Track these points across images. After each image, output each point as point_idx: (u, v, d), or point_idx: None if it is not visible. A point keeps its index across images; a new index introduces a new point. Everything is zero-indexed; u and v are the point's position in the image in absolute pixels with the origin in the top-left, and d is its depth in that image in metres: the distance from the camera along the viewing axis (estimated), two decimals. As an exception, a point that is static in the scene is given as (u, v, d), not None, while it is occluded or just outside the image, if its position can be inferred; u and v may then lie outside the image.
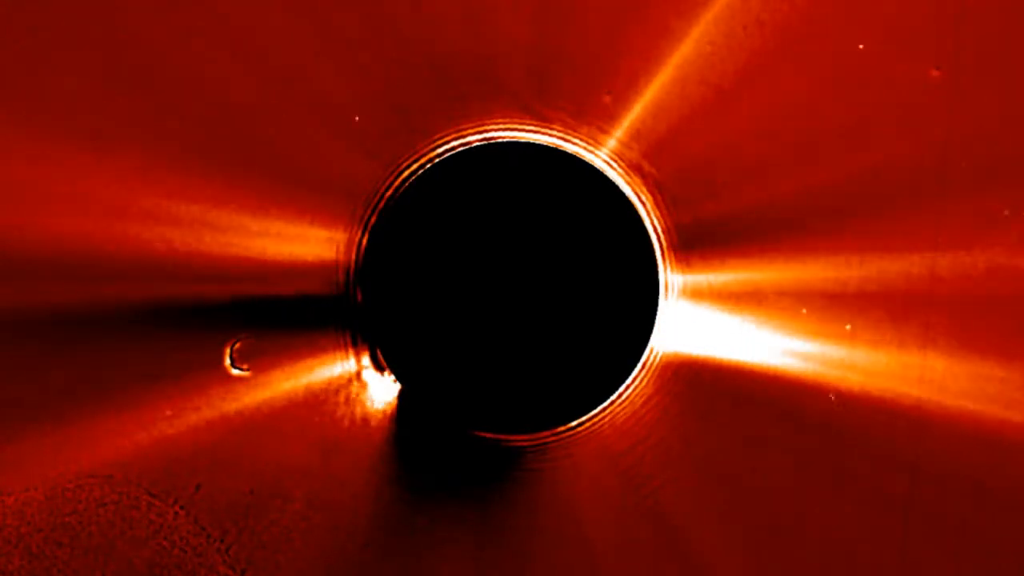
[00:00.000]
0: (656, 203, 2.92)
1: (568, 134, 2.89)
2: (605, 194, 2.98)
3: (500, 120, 2.88)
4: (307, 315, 2.81)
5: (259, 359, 2.70)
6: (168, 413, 2.57)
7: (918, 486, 2.53)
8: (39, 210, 2.47)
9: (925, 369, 2.51)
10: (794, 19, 2.46)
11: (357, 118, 2.44)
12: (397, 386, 2.98)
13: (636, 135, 2.78)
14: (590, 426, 2.98)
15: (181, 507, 2.54)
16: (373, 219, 2.96)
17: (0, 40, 2.38)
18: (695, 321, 2.91)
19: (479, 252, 2.96)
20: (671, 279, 2.98)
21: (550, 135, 2.92)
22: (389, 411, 2.94)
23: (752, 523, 2.71)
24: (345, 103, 2.67)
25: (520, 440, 2.98)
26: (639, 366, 2.98)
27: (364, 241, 2.96)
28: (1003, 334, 2.46)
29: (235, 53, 2.54)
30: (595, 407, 2.99)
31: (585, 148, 2.93)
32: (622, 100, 2.68)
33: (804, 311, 2.67)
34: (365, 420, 2.87)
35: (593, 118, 2.78)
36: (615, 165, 2.94)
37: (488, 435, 2.99)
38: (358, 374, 2.91)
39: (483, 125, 2.90)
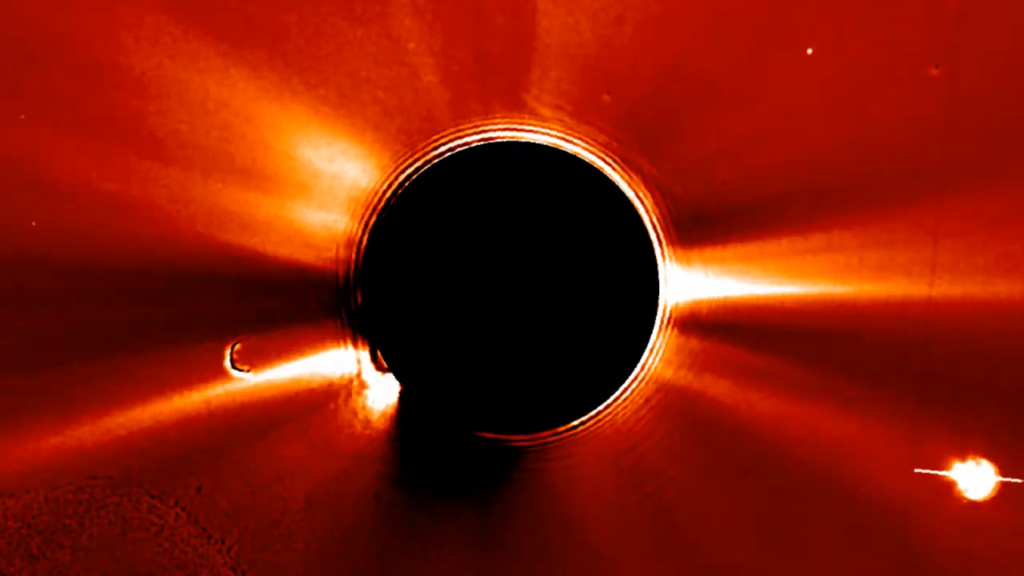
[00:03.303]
0: (655, 201, 2.92)
1: (568, 134, 2.89)
2: (605, 193, 2.98)
3: (500, 120, 2.88)
4: (307, 316, 2.81)
5: (259, 359, 2.70)
6: (168, 413, 2.58)
7: (914, 494, 2.54)
8: (42, 205, 2.47)
9: (924, 368, 2.52)
10: (795, 19, 2.46)
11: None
12: (398, 386, 2.98)
13: (635, 134, 2.77)
14: (590, 426, 2.98)
15: (181, 508, 2.55)
16: (373, 219, 2.96)
17: None
18: (695, 321, 2.91)
19: (479, 252, 2.95)
20: (671, 278, 2.98)
21: (550, 135, 2.92)
22: (390, 411, 2.94)
23: (751, 523, 2.72)
24: (352, 103, 2.67)
25: (520, 440, 2.99)
26: (639, 367, 2.98)
27: (364, 241, 2.96)
28: (1004, 334, 2.46)
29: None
30: (595, 407, 2.99)
31: (584, 148, 2.92)
32: (622, 100, 2.68)
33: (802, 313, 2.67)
34: (366, 420, 2.87)
35: (592, 118, 2.78)
36: (614, 164, 2.93)
37: (488, 435, 2.99)
38: (359, 374, 2.92)
39: (483, 125, 2.89)
